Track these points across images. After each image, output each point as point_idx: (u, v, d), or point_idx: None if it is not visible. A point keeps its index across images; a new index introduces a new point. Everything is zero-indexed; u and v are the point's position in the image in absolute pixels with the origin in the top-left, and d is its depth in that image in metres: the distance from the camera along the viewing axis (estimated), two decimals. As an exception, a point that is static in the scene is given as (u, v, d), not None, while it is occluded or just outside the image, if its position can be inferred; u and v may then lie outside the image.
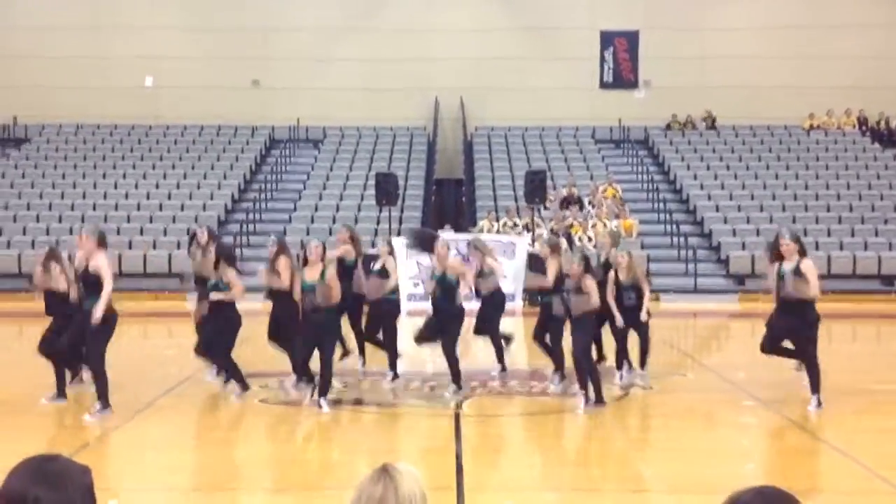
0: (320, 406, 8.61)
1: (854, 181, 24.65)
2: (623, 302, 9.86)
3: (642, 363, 10.24)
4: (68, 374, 9.51)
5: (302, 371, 9.20)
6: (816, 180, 24.76)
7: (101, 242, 8.53)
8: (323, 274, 8.70)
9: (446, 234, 20.15)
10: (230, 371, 9.45)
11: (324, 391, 8.71)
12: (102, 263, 8.36)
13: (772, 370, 9.19)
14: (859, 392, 9.83)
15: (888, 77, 27.22)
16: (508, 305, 11.24)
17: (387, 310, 10.35)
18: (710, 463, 7.39)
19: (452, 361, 9.46)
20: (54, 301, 9.57)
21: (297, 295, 9.03)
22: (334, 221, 22.96)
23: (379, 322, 10.42)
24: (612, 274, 9.93)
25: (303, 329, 8.92)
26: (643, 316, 9.88)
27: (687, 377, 10.76)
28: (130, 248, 21.67)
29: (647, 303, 9.92)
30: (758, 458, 7.82)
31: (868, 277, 21.17)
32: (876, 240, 22.02)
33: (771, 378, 9.16)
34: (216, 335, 9.40)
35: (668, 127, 27.84)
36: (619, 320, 9.75)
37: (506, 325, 11.01)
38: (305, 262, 8.99)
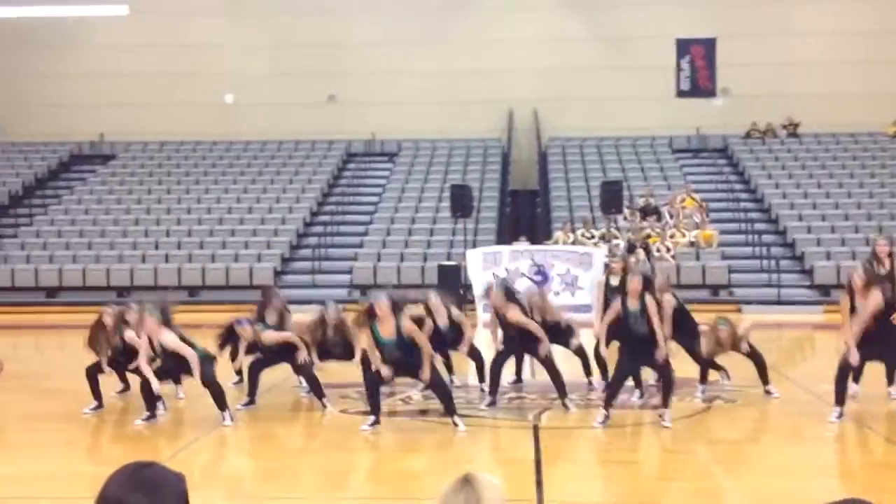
0: (456, 424, 8.62)
1: (943, 188, 23.88)
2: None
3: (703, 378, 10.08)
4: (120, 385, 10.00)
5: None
6: (903, 188, 24.05)
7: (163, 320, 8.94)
8: (399, 329, 8.62)
9: (521, 246, 20.17)
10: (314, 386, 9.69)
11: (452, 409, 8.73)
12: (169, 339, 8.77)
13: (859, 383, 8.96)
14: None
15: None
16: (585, 317, 11.16)
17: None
18: (795, 477, 7.24)
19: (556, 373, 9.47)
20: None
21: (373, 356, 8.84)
22: (410, 234, 23.14)
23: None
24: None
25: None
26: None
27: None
28: (213, 261, 22.15)
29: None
30: (844, 473, 7.63)
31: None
32: (968, 248, 21.23)
33: (858, 391, 8.93)
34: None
35: (748, 135, 27.37)
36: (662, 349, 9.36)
37: (584, 337, 10.93)
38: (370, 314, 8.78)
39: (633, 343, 8.80)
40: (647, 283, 8.92)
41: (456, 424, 8.61)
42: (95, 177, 26.88)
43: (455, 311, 10.48)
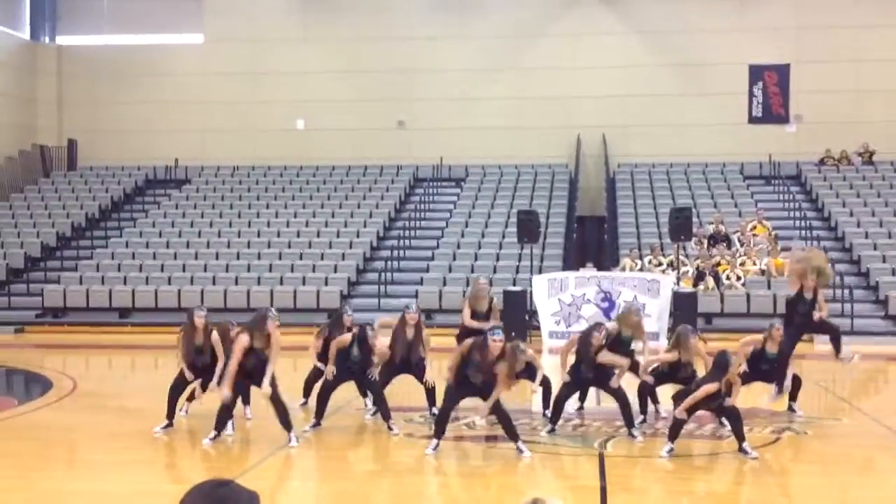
0: (521, 450, 8.65)
1: None
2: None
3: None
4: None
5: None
6: (984, 216, 23.33)
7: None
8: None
9: (587, 272, 20.05)
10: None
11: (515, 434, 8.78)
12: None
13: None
14: None
15: None
16: (653, 345, 11.05)
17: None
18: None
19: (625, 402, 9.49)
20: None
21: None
22: (476, 259, 23.17)
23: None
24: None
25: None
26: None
27: (842, 422, 10.30)
28: (281, 283, 22.47)
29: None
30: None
31: None
32: None
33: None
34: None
35: (822, 162, 26.86)
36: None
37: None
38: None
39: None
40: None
41: (521, 451, 8.59)
42: (169, 201, 27.52)
43: (529, 353, 10.45)
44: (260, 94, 28.87)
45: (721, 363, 8.60)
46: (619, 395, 9.50)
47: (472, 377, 8.65)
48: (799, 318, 10.63)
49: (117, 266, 23.66)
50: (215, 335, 9.82)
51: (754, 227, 22.77)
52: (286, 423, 8.96)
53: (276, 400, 8.94)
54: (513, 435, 8.69)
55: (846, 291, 20.04)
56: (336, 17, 28.95)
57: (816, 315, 10.51)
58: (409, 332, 10.22)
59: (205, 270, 23.19)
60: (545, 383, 10.51)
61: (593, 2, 28.22)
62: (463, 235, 24.70)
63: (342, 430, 10.09)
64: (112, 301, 22.33)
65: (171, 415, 9.78)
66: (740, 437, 8.59)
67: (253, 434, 9.81)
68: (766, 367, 10.18)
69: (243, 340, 8.90)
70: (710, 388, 8.51)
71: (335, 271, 22.85)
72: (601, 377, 9.65)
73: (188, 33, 29.45)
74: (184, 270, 23.31)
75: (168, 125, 29.06)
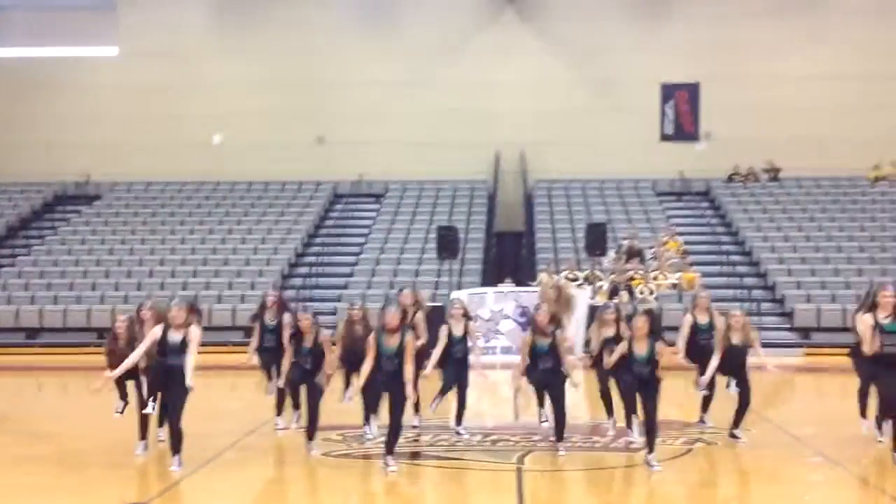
0: (387, 464, 8.65)
1: (923, 232, 24.16)
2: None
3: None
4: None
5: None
6: (883, 232, 24.32)
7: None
8: (402, 341, 8.68)
9: (506, 288, 20.23)
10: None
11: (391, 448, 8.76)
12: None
13: (839, 425, 9.01)
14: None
15: (956, 126, 26.76)
16: (570, 358, 11.18)
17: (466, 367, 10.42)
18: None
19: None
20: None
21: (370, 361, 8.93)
22: (395, 275, 23.18)
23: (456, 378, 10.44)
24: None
25: (372, 387, 8.88)
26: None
27: (751, 432, 10.58)
28: (196, 302, 22.08)
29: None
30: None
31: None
32: (947, 292, 21.44)
33: (838, 434, 8.98)
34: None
35: (730, 178, 27.66)
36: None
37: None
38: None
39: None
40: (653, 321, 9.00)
41: (387, 465, 8.59)
42: (79, 217, 26.87)
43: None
44: (175, 109, 28.43)
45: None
46: (559, 405, 9.51)
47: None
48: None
49: (24, 285, 23.00)
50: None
51: (666, 242, 23.30)
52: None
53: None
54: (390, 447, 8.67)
55: (754, 305, 20.64)
56: (254, 31, 28.73)
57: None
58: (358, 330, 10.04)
59: (116, 289, 22.70)
60: (460, 398, 10.54)
61: (512, 18, 28.62)
62: (382, 251, 24.70)
63: (259, 451, 9.98)
64: (19, 321, 21.68)
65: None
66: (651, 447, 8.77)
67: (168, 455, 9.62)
68: (703, 341, 10.33)
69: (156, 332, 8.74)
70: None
71: (252, 289, 22.59)
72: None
73: (102, 46, 28.84)
74: (94, 289, 22.78)
75: (80, 139, 28.39)
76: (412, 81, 28.24)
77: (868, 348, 8.58)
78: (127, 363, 8.92)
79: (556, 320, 9.59)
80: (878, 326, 8.56)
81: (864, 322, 8.66)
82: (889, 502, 7.84)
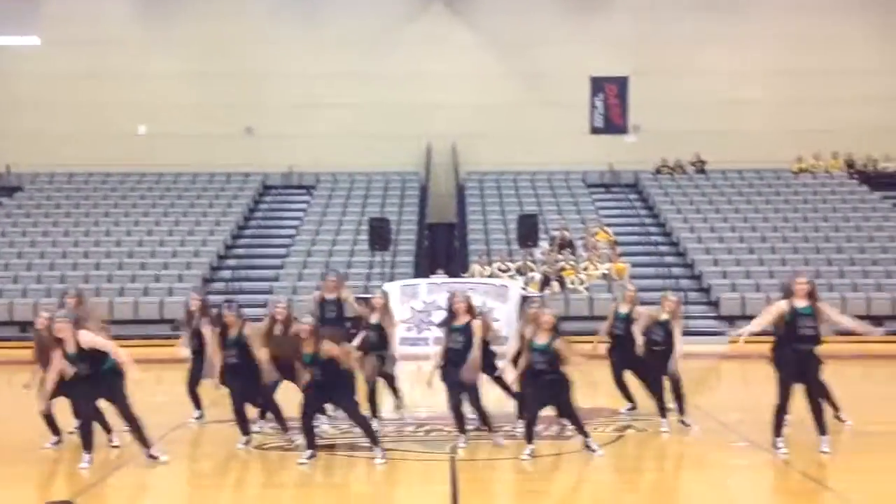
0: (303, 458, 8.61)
1: (843, 224, 24.85)
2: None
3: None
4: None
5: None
6: (805, 223, 24.96)
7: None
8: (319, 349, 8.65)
9: (438, 279, 20.24)
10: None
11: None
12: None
13: (763, 411, 9.20)
14: (853, 432, 9.86)
15: (874, 120, 27.60)
16: (501, 348, 11.24)
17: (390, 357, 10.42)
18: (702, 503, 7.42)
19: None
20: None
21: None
22: (327, 267, 22.99)
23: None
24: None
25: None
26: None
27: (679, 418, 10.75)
28: (121, 294, 21.66)
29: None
30: (750, 500, 7.83)
31: (858, 318, 21.18)
32: (865, 281, 22.15)
33: (763, 419, 9.17)
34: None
35: (658, 171, 28.10)
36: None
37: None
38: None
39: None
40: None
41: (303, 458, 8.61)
42: (0, 209, 26.08)
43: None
44: (99, 98, 27.78)
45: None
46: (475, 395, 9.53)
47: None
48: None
49: (-58, 278, 22.26)
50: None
51: (596, 234, 23.58)
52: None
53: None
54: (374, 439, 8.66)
55: (681, 294, 20.96)
56: (180, 20, 28.21)
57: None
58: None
59: (38, 282, 22.11)
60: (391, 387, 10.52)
61: (443, 11, 28.61)
62: (314, 243, 24.50)
63: (185, 445, 9.82)
64: (-64, 315, 20.99)
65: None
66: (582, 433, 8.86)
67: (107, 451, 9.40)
68: (618, 331, 10.57)
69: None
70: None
71: (179, 281, 22.22)
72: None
73: (24, 35, 27.99)
74: (15, 282, 22.16)
75: (0, 129, 27.55)
76: (343, 73, 28.05)
77: (756, 323, 8.87)
78: (53, 376, 8.62)
79: (473, 311, 9.57)
80: (794, 311, 8.77)
81: (777, 306, 8.89)
82: (811, 485, 8.04)
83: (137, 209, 25.92)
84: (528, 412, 8.97)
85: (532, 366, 8.81)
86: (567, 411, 8.88)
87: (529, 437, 8.78)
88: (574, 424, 8.93)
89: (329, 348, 8.59)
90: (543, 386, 8.76)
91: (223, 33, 28.08)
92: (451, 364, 9.37)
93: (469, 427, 9.58)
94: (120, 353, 8.47)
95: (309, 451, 8.66)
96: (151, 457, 8.60)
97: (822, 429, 8.79)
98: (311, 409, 8.78)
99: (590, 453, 8.78)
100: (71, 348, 8.39)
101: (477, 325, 9.41)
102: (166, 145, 27.89)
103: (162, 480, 8.36)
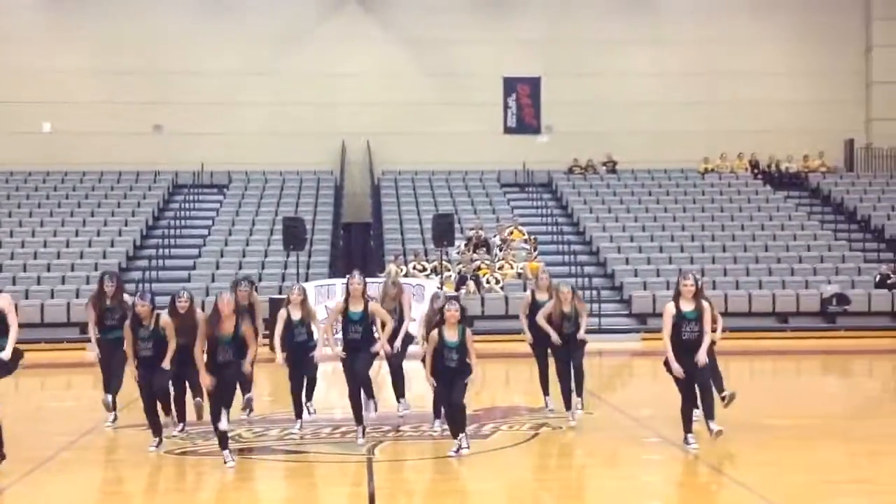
0: (226, 461, 8.49)
1: (748, 222, 25.61)
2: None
3: None
4: None
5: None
6: (712, 222, 25.64)
7: None
8: (238, 327, 8.57)
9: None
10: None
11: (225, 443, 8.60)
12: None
13: (674, 407, 9.43)
14: (757, 427, 10.18)
15: (777, 121, 28.53)
16: (415, 349, 11.27)
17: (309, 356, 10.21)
18: (616, 501, 7.56)
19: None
20: None
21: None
22: (240, 267, 22.71)
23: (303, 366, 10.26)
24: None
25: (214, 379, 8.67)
26: None
27: (592, 415, 10.96)
28: (27, 297, 21.00)
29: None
30: (663, 494, 8.02)
31: (763, 315, 21.94)
32: (770, 279, 22.87)
33: (674, 415, 9.40)
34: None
35: (570, 171, 28.52)
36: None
37: (414, 368, 11.05)
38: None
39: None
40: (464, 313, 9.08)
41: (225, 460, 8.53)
42: None
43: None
44: (1, 95, 26.85)
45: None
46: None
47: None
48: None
49: None
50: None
51: (511, 233, 23.81)
52: None
53: None
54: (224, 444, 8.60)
55: (594, 292, 21.37)
56: (86, 15, 27.49)
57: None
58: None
59: (-62, 284, 21.23)
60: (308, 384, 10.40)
61: (356, 9, 28.50)
62: (227, 244, 24.16)
63: (96, 451, 9.58)
64: None
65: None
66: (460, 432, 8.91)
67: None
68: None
69: None
70: None
71: (87, 283, 21.63)
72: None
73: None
74: (-87, 285, 21.24)
75: None
76: (254, 70, 27.72)
77: (666, 335, 9.01)
78: None
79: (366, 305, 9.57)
80: (679, 314, 8.97)
81: (667, 310, 9.11)
82: (722, 479, 8.28)
83: (43, 209, 25.16)
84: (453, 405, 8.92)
85: (444, 363, 8.83)
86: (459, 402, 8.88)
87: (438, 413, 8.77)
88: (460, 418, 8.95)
89: (247, 328, 8.58)
90: (455, 379, 8.79)
91: (131, 29, 27.45)
92: (353, 352, 9.41)
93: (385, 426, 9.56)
94: None
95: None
96: None
97: (709, 412, 9.03)
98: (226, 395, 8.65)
99: (518, 448, 8.86)
100: None
101: (374, 306, 9.44)
102: (72, 143, 27.14)
103: (70, 487, 8.12)
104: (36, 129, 27.19)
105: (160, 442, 9.23)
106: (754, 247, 24.35)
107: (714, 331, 9.43)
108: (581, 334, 10.36)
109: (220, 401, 8.54)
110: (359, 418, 9.52)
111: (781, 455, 8.97)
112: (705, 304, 9.10)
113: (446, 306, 8.99)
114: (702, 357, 8.92)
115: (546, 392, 11.02)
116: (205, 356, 8.57)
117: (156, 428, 9.25)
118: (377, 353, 9.67)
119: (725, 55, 28.67)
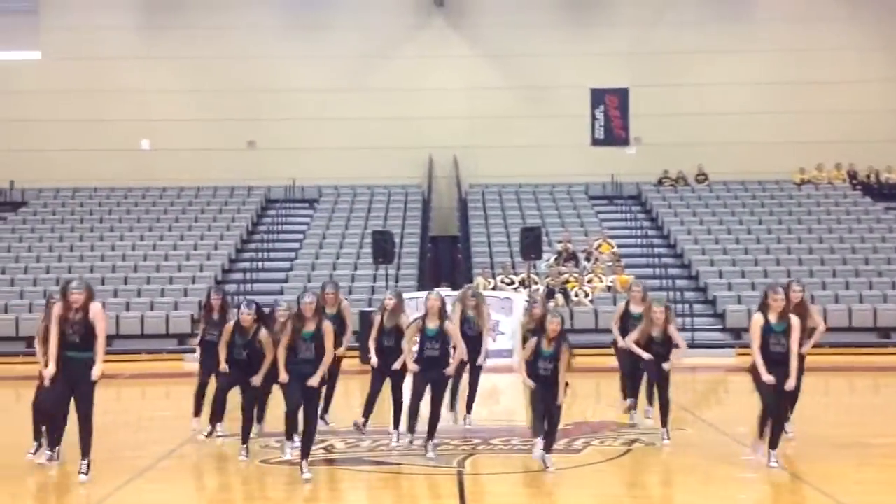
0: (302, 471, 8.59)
1: (847, 234, 24.85)
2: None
3: None
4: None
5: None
6: (809, 234, 24.96)
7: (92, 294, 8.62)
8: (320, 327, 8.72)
9: (442, 292, 20.25)
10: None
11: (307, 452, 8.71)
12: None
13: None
14: (857, 445, 9.86)
15: (876, 131, 27.65)
16: (506, 361, 11.28)
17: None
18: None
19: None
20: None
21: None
22: (331, 280, 22.99)
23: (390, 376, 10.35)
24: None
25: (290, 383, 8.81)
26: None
27: (686, 432, 10.76)
28: (128, 309, 21.67)
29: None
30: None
31: (864, 330, 21.23)
32: (870, 293, 22.13)
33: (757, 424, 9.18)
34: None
35: (660, 182, 28.13)
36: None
37: (505, 381, 11.05)
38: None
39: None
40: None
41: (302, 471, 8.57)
42: (5, 224, 26.15)
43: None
44: (102, 113, 27.88)
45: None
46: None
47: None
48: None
49: (-52, 294, 22.29)
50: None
51: (600, 246, 23.59)
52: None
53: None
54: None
55: (686, 307, 21.00)
56: (182, 34, 28.33)
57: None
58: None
59: (44, 297, 22.06)
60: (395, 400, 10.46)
61: (442, 24, 28.71)
62: (317, 257, 24.53)
63: (194, 460, 9.81)
64: (-56, 331, 21.01)
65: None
66: (549, 446, 8.81)
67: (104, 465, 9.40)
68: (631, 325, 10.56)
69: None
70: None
71: (185, 295, 22.25)
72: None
73: (24, 50, 28.10)
74: (21, 297, 22.20)
75: (3, 144, 27.66)
76: (343, 87, 28.13)
77: (755, 347, 8.81)
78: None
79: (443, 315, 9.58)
80: (767, 326, 8.76)
81: (755, 321, 8.88)
82: (821, 498, 8.03)
83: (142, 224, 25.96)
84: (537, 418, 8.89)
85: (537, 372, 8.78)
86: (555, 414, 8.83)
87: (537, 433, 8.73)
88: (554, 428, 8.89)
89: (327, 327, 8.69)
90: (547, 389, 8.74)
91: (225, 48, 28.18)
92: (428, 369, 9.49)
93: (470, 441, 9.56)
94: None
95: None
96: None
97: (773, 442, 8.78)
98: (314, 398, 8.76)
99: (610, 463, 8.77)
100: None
101: (448, 326, 9.49)
102: (169, 160, 27.97)
103: (169, 496, 8.33)
104: (135, 146, 28.11)
105: (248, 449, 9.40)
106: (854, 259, 23.60)
107: (810, 336, 9.18)
108: (669, 363, 10.08)
109: (307, 400, 8.63)
110: (412, 427, 9.74)
111: (883, 474, 8.67)
112: (794, 318, 8.85)
113: (549, 318, 8.94)
114: (791, 383, 8.69)
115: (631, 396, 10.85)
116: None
117: (245, 434, 9.43)
118: (450, 376, 9.68)
119: (821, 63, 27.94)
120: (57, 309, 8.50)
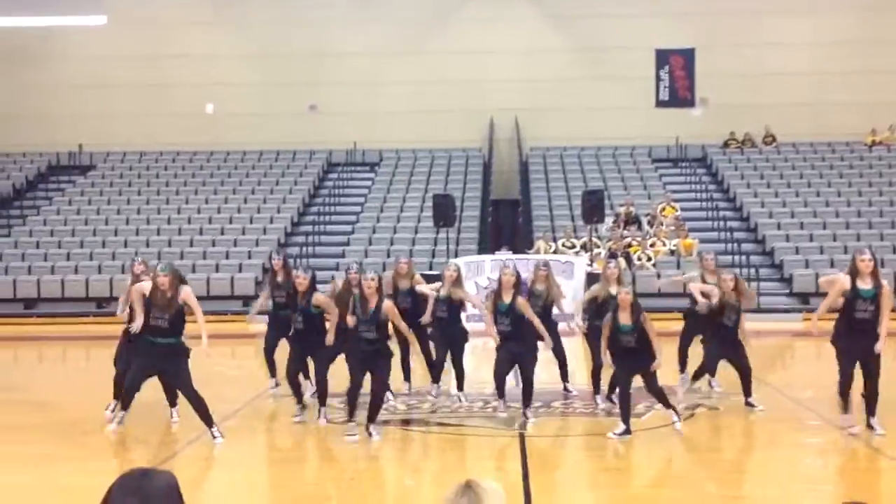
0: (370, 433, 8.65)
1: (919, 197, 24.15)
2: None
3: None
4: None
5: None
6: (880, 197, 24.31)
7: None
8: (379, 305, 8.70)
9: (503, 255, 20.21)
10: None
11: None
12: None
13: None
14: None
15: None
16: (566, 325, 11.22)
17: (460, 331, 10.44)
18: (775, 483, 7.32)
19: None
20: None
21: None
22: (392, 244, 23.13)
23: (448, 343, 10.47)
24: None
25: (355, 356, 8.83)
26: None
27: (751, 397, 10.61)
28: (193, 271, 22.03)
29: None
30: (824, 478, 7.71)
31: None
32: (943, 256, 21.50)
33: (837, 397, 9.00)
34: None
35: (726, 144, 27.59)
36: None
37: (566, 344, 11.01)
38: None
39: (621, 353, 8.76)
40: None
41: (370, 434, 8.59)
42: (74, 187, 26.73)
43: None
44: (167, 78, 28.20)
45: None
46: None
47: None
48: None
49: (21, 255, 22.92)
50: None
51: (664, 209, 23.28)
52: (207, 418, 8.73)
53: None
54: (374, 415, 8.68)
55: (752, 271, 20.66)
56: (245, 1, 28.45)
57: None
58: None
59: (113, 259, 22.61)
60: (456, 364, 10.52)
61: (504, -15, 28.37)
62: (378, 220, 24.64)
63: (259, 419, 9.99)
64: (17, 291, 21.63)
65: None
66: (669, 406, 8.76)
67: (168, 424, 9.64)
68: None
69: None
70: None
71: (249, 258, 22.55)
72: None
73: (91, 14, 28.48)
74: (91, 259, 22.70)
75: (71, 110, 28.16)
76: (403, 50, 28.03)
77: (825, 304, 8.65)
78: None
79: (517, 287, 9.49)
80: (855, 291, 8.45)
81: (839, 281, 8.57)
82: (886, 462, 7.88)
83: (207, 187, 26.32)
84: (621, 388, 8.82)
85: (620, 344, 8.68)
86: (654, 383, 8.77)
87: (626, 415, 8.62)
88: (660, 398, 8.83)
89: (388, 306, 8.64)
90: (630, 358, 8.65)
91: (286, 13, 28.24)
92: (504, 342, 9.41)
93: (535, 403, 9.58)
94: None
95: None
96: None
97: (871, 408, 8.59)
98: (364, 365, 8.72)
99: (671, 428, 8.70)
100: None
101: (520, 301, 9.36)
102: (232, 124, 28.25)
103: (235, 453, 8.50)
104: (199, 111, 28.43)
105: (303, 407, 9.51)
106: (926, 223, 22.95)
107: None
108: (741, 334, 9.85)
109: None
110: (501, 393, 9.61)
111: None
112: (886, 285, 8.54)
113: (618, 292, 8.86)
114: (880, 345, 8.41)
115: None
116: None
117: (299, 396, 9.54)
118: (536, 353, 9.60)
119: (887, 22, 27.01)
120: (141, 287, 8.73)
